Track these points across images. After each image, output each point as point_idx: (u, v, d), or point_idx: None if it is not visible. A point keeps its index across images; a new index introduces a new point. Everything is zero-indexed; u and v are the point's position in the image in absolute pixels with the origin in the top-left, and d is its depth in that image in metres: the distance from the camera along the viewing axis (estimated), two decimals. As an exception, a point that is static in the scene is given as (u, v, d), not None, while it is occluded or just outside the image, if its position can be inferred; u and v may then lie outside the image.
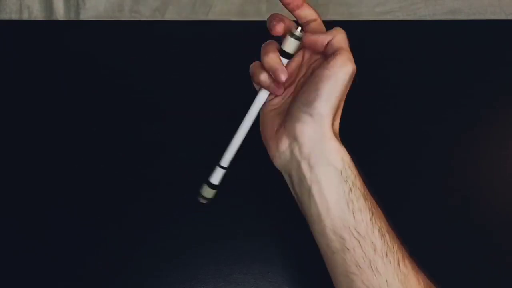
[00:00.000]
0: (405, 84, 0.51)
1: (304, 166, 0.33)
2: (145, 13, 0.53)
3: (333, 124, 0.34)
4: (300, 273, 0.41)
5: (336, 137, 0.34)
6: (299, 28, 0.35)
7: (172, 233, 0.42)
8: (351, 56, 0.34)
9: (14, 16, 0.52)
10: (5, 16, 0.52)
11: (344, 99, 0.35)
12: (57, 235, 0.42)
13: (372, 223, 0.31)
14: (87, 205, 0.44)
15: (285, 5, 0.36)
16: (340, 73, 0.33)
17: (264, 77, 0.36)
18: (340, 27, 0.35)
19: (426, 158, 0.47)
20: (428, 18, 0.54)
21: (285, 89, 0.37)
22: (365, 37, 0.53)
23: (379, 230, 0.31)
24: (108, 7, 0.53)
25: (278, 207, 0.43)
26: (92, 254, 0.42)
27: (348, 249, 0.31)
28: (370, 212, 0.32)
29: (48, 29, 0.52)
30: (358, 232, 0.31)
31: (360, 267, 0.31)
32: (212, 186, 0.40)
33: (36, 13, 0.53)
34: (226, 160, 0.41)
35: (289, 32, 0.35)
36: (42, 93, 0.48)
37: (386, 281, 0.31)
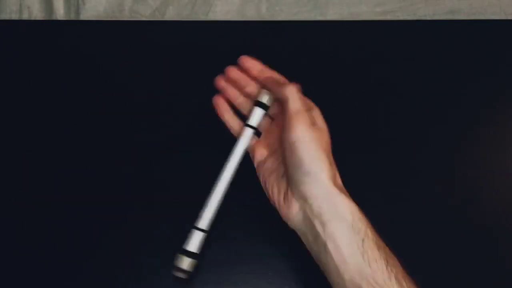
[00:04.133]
0: (405, 84, 0.51)
1: (317, 224, 0.34)
2: (145, 13, 0.53)
3: (334, 178, 0.36)
4: (300, 273, 0.41)
5: (342, 191, 0.35)
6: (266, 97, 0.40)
7: (172, 233, 0.42)
8: (305, 118, 0.36)
9: (14, 16, 0.52)
10: (5, 16, 0.52)
11: (328, 148, 0.37)
12: (57, 236, 0.42)
13: (388, 271, 0.32)
14: (87, 205, 0.44)
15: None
16: (302, 139, 0.35)
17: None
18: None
19: (426, 158, 0.47)
20: (428, 18, 0.54)
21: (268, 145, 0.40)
22: (365, 37, 0.53)
23: (395, 278, 0.32)
24: (108, 7, 0.53)
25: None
26: (91, 254, 0.42)
27: None
28: (385, 261, 0.33)
29: (48, 29, 0.52)
30: (376, 282, 0.32)
31: None
32: (190, 254, 0.38)
33: (36, 13, 0.53)
34: (204, 221, 0.38)
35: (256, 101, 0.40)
36: (42, 93, 0.48)
37: None
